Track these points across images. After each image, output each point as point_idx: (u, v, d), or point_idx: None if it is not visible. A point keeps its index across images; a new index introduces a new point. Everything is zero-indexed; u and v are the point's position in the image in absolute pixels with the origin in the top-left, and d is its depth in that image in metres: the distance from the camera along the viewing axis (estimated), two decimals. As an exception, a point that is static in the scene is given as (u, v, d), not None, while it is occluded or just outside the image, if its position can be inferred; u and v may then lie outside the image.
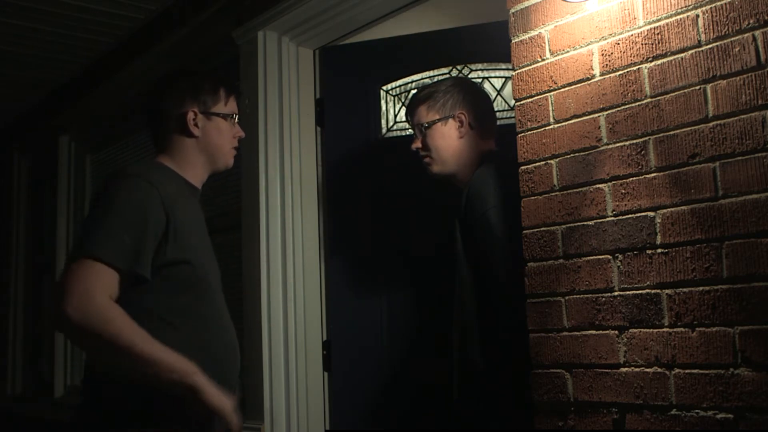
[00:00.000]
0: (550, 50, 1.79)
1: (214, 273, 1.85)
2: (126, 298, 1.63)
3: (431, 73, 2.75)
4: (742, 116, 1.45)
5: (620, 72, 1.66)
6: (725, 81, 1.48)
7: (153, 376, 1.58)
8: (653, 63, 1.60)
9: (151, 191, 1.67)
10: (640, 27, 1.63)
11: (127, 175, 1.72)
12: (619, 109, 1.65)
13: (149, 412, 1.64)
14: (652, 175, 1.58)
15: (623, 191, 1.63)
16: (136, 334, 1.57)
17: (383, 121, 2.81)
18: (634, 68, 1.63)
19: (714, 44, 1.50)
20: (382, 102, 2.83)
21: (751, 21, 1.45)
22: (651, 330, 1.56)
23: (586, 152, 1.70)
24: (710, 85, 1.50)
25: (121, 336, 1.55)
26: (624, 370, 1.60)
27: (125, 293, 1.64)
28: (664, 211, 1.56)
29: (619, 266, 1.62)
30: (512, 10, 1.89)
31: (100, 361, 1.64)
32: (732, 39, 1.47)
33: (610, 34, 1.68)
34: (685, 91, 1.54)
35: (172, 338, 1.63)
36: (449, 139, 2.16)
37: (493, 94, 2.63)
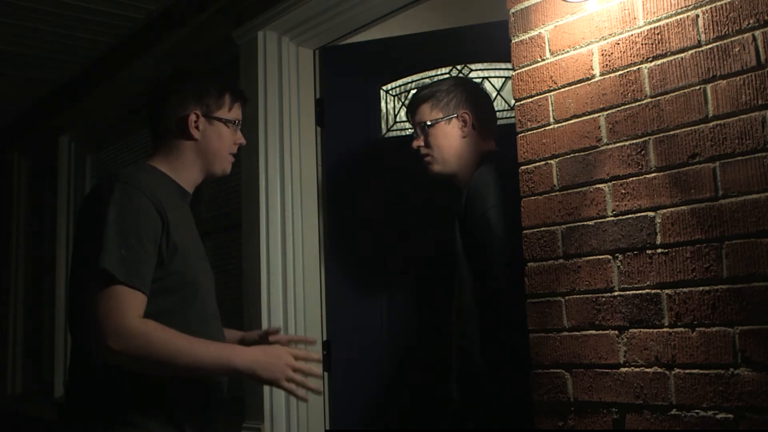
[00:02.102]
0: (550, 50, 1.80)
1: (206, 277, 1.82)
2: None
3: (431, 73, 2.75)
4: (742, 116, 1.45)
5: (620, 72, 1.66)
6: (725, 81, 1.48)
7: (200, 375, 1.69)
8: (653, 63, 1.60)
9: (147, 200, 1.65)
10: (640, 27, 1.63)
11: (123, 183, 1.67)
12: (619, 109, 1.65)
13: (147, 399, 1.65)
14: (652, 175, 1.58)
15: (623, 191, 1.63)
16: (176, 345, 1.60)
17: (383, 121, 2.81)
18: (634, 68, 1.63)
19: (714, 44, 1.50)
20: (382, 102, 2.83)
21: (751, 21, 1.45)
22: (651, 330, 1.56)
23: (586, 152, 1.70)
24: (710, 85, 1.50)
25: (163, 353, 1.58)
26: (624, 370, 1.60)
27: None
28: (664, 211, 1.56)
29: (619, 266, 1.62)
30: (512, 10, 1.89)
31: (152, 373, 1.65)
32: (732, 39, 1.47)
33: (610, 34, 1.68)
34: (685, 91, 1.54)
35: None
36: (452, 138, 2.15)
37: (493, 94, 2.63)
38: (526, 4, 1.86)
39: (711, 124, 1.49)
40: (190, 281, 1.74)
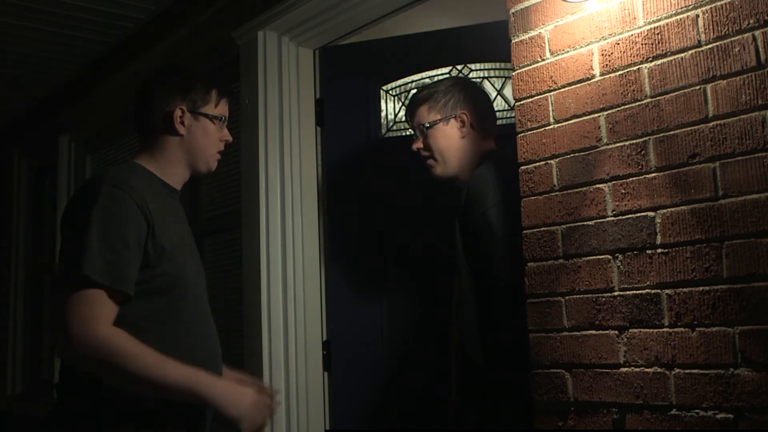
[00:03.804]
0: (550, 50, 1.80)
1: (197, 277, 1.80)
2: None
3: (431, 73, 2.75)
4: (742, 116, 1.45)
5: (620, 72, 1.66)
6: (725, 81, 1.48)
7: (166, 395, 1.61)
8: (653, 63, 1.60)
9: (132, 203, 1.63)
10: (640, 27, 1.63)
11: (110, 186, 1.65)
12: (619, 109, 1.65)
13: (138, 410, 1.63)
14: (652, 175, 1.58)
15: (623, 191, 1.63)
16: (145, 360, 1.56)
17: (383, 121, 2.81)
18: (634, 68, 1.63)
19: (714, 44, 1.50)
20: (382, 102, 2.83)
21: (751, 21, 1.45)
22: (651, 330, 1.56)
23: (586, 152, 1.70)
24: (710, 85, 1.50)
25: (129, 365, 1.55)
26: (624, 370, 1.60)
27: None
28: (664, 211, 1.56)
29: (619, 266, 1.62)
30: (512, 10, 1.89)
31: (113, 384, 1.61)
32: (732, 39, 1.47)
33: (610, 34, 1.68)
34: (685, 91, 1.54)
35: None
36: (451, 139, 2.15)
37: (493, 94, 2.63)
38: (526, 4, 1.86)
39: (711, 124, 1.49)
40: (179, 282, 1.71)
